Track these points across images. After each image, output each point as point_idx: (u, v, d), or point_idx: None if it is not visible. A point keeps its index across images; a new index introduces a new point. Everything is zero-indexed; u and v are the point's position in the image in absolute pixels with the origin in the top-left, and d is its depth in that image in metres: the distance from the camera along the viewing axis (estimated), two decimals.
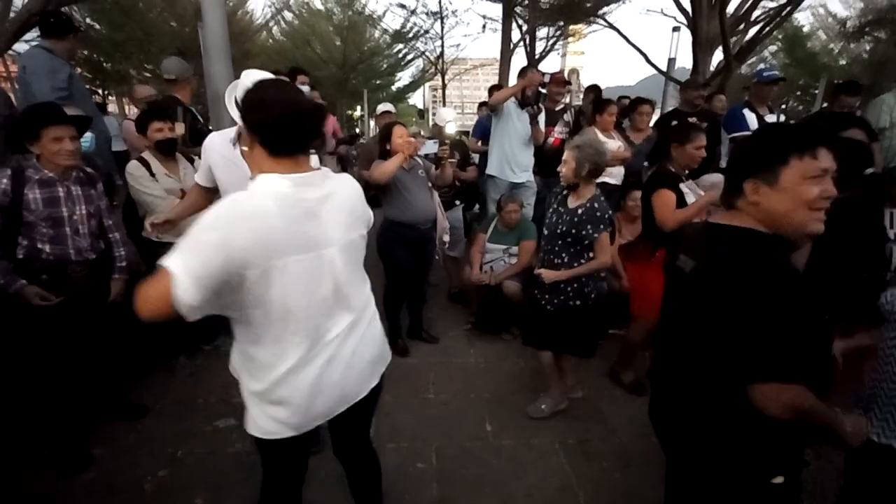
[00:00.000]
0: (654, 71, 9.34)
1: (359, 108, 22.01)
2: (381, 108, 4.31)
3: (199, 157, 2.21)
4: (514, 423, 2.48)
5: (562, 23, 12.40)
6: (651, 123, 4.19)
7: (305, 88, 3.99)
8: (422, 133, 3.05)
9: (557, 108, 4.01)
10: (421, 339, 3.32)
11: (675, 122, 3.88)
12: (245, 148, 1.31)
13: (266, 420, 1.20)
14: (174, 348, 2.85)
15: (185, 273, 0.96)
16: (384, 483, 1.70)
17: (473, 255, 3.48)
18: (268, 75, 1.62)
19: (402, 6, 14.66)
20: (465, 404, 2.64)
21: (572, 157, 2.20)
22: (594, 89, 5.02)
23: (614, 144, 3.65)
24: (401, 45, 18.23)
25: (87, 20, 12.38)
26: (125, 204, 2.79)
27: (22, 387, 2.12)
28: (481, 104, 5.73)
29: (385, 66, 20.14)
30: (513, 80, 4.00)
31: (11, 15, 4.89)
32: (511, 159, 3.74)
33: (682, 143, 2.44)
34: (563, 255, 2.29)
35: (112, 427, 2.31)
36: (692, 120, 3.77)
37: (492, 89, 4.82)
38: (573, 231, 2.22)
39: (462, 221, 4.11)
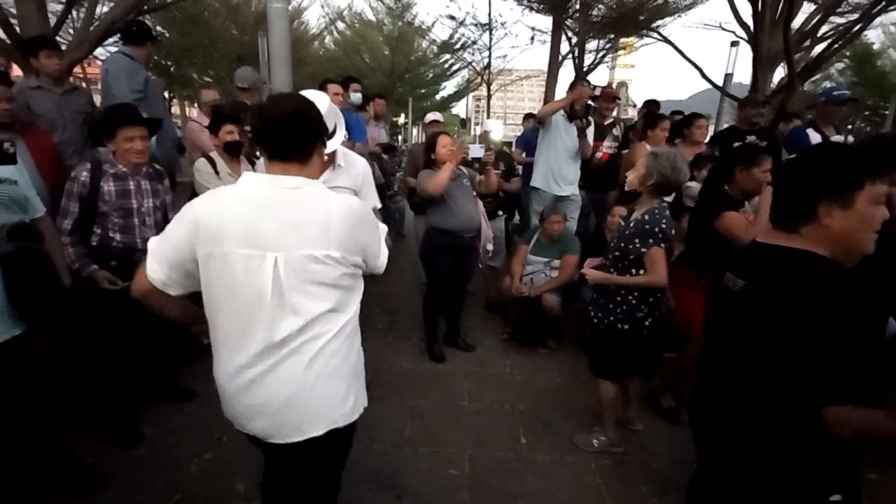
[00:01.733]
0: (707, 86, 9.03)
1: (403, 115, 22.45)
2: (430, 116, 4.39)
3: (260, 159, 2.33)
4: (548, 437, 2.43)
5: (612, 35, 12.22)
6: (706, 139, 4.05)
7: (357, 96, 4.11)
8: (469, 140, 3.08)
9: (606, 123, 3.95)
10: (457, 346, 3.33)
11: (737, 143, 3.72)
12: None
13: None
14: None
15: (152, 254, 1.13)
16: (415, 483, 1.70)
17: (514, 267, 3.46)
18: (324, 97, 1.69)
19: (452, 17, 14.86)
20: (500, 415, 2.61)
21: (644, 163, 2.05)
22: (652, 104, 4.91)
23: None
24: (448, 56, 18.50)
25: (159, 28, 13.33)
26: (189, 198, 2.97)
27: (86, 364, 2.28)
28: (527, 116, 5.73)
29: (431, 75, 20.50)
30: (560, 92, 3.99)
31: (95, 23, 5.34)
32: (557, 172, 3.71)
33: (749, 165, 2.28)
34: (612, 270, 2.17)
35: (162, 408, 2.45)
36: (751, 139, 3.61)
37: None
38: (622, 245, 2.09)
39: (504, 232, 4.10)
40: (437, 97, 23.56)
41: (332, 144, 1.77)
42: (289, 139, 1.12)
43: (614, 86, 8.20)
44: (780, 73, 7.19)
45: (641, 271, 2.08)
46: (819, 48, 7.56)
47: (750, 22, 7.31)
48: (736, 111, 4.44)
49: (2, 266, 1.52)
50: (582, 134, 3.58)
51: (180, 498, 1.91)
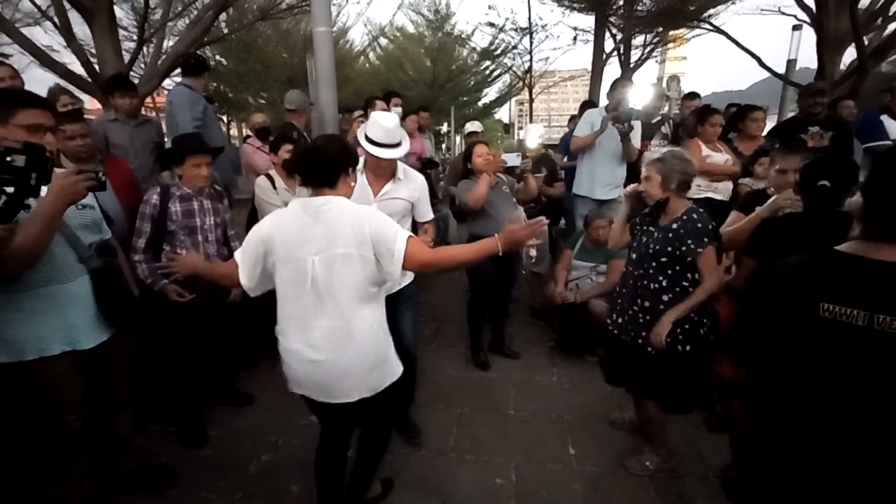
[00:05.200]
0: (769, 74, 8.45)
1: (445, 124, 22.69)
2: (469, 127, 4.44)
3: None
4: (598, 449, 2.36)
5: (660, 29, 11.75)
6: (765, 132, 3.81)
7: (398, 111, 4.22)
8: (512, 146, 3.08)
9: (654, 121, 3.81)
10: (502, 353, 3.31)
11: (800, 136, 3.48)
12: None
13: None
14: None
15: (240, 264, 1.56)
16: (462, 492, 1.73)
17: (559, 272, 3.41)
18: (391, 117, 2.02)
19: (491, 24, 14.91)
20: (546, 424, 2.57)
21: (655, 170, 1.96)
22: (691, 98, 4.69)
23: (721, 158, 3.37)
24: (488, 62, 18.53)
25: (217, 57, 14.35)
26: (249, 213, 3.17)
27: (159, 369, 2.49)
28: (572, 118, 5.64)
29: (472, 82, 20.59)
30: (605, 91, 3.89)
31: (162, 57, 5.86)
32: (600, 177, 3.62)
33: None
34: (661, 278, 1.96)
35: (225, 412, 2.62)
36: (814, 130, 3.36)
37: (583, 105, 4.72)
38: (669, 248, 1.93)
39: (547, 237, 4.05)
40: (479, 104, 23.61)
41: (403, 149, 2.06)
42: (312, 172, 1.49)
43: (664, 81, 7.88)
44: (851, 54, 6.59)
45: (696, 275, 1.93)
46: (893, 27, 6.88)
47: (812, 3, 6.79)
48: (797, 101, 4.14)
49: (92, 279, 1.70)
50: (625, 138, 3.46)
51: (241, 497, 2.04)
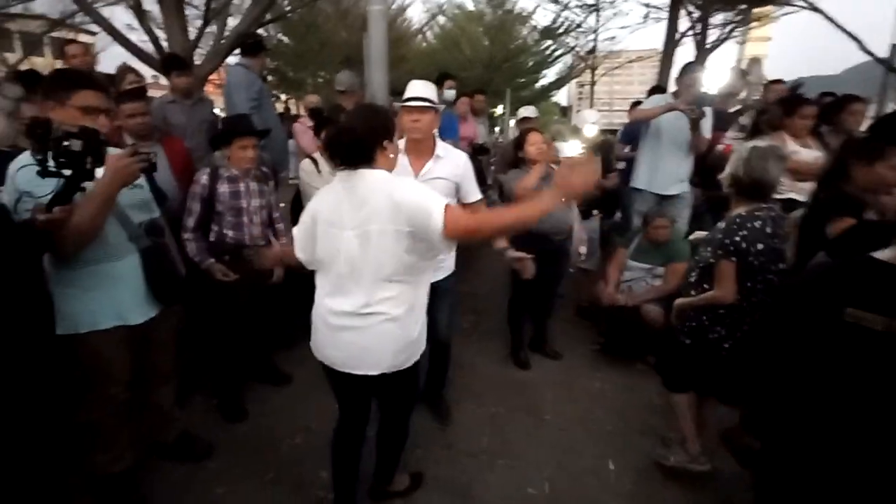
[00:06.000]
0: (867, 57, 7.47)
1: (500, 106, 22.11)
2: (522, 112, 4.21)
3: None
4: (640, 466, 2.19)
5: (744, 6, 10.64)
6: (863, 127, 3.33)
7: (451, 93, 4.09)
8: (560, 137, 2.86)
9: (731, 109, 3.43)
10: (543, 353, 3.17)
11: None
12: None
13: None
14: None
15: (296, 241, 1.59)
16: (490, 498, 1.76)
17: (610, 272, 3.19)
18: (424, 82, 2.01)
19: (555, 1, 14.17)
20: (585, 434, 2.43)
21: (735, 162, 1.82)
22: (775, 86, 4.18)
23: (810, 155, 2.98)
24: (549, 42, 17.71)
25: (279, 35, 14.67)
26: (294, 196, 3.20)
27: (203, 344, 2.58)
28: (633, 105, 5.24)
29: (531, 63, 19.83)
30: (675, 76, 3.53)
31: (226, 34, 6.01)
32: (663, 170, 3.32)
33: (871, 160, 1.83)
34: (691, 279, 2.00)
35: (264, 389, 2.68)
36: None
37: (651, 91, 4.35)
38: (700, 251, 1.98)
39: (598, 232, 3.81)
40: (537, 86, 22.77)
41: (428, 98, 2.01)
42: (347, 153, 1.43)
43: (744, 64, 7.17)
44: None
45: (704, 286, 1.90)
46: None
47: None
48: None
49: (142, 258, 1.75)
50: (695, 126, 3.14)
51: (272, 478, 2.08)
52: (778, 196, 3.06)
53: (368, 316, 1.45)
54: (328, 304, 1.51)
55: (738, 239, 1.78)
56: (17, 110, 2.46)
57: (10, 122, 2.35)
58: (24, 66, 11.24)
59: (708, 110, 3.16)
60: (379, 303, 1.44)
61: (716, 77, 3.30)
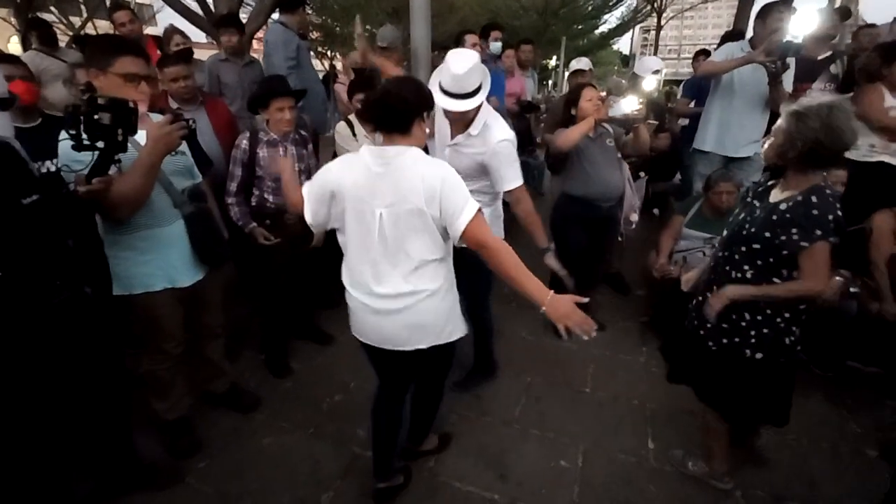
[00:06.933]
0: None
1: (554, 58, 20.77)
2: (575, 64, 3.88)
3: None
4: (682, 448, 2.10)
5: None
6: None
7: (497, 45, 3.83)
8: (617, 90, 2.60)
9: (821, 57, 2.97)
10: None
11: None
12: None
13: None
14: None
15: (306, 198, 1.51)
16: (522, 468, 1.78)
17: (664, 241, 2.96)
18: (465, 61, 1.79)
19: None
20: (625, 410, 2.36)
21: (781, 129, 1.49)
22: (869, 28, 3.57)
23: None
24: None
25: None
26: (332, 158, 3.19)
27: (252, 303, 2.70)
28: (698, 53, 4.68)
29: (590, 7, 18.33)
30: (754, 18, 3.07)
31: None
32: (735, 129, 2.95)
33: None
34: (746, 267, 1.58)
35: (307, 348, 2.80)
36: None
37: (724, 38, 3.85)
38: (766, 234, 1.51)
39: (643, 197, 3.54)
40: (596, 32, 21.08)
41: (476, 101, 1.87)
42: (384, 118, 1.40)
43: (838, 3, 6.20)
44: None
45: (794, 273, 1.51)
46: None
47: None
48: None
49: (186, 223, 1.82)
50: (775, 80, 2.73)
51: (312, 432, 2.19)
52: (868, 159, 2.69)
53: (409, 295, 1.45)
54: (364, 291, 1.50)
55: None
56: (73, 76, 2.57)
57: (67, 87, 2.46)
58: (88, 30, 11.76)
59: (791, 61, 2.74)
60: (418, 281, 1.45)
61: (804, 20, 2.82)
